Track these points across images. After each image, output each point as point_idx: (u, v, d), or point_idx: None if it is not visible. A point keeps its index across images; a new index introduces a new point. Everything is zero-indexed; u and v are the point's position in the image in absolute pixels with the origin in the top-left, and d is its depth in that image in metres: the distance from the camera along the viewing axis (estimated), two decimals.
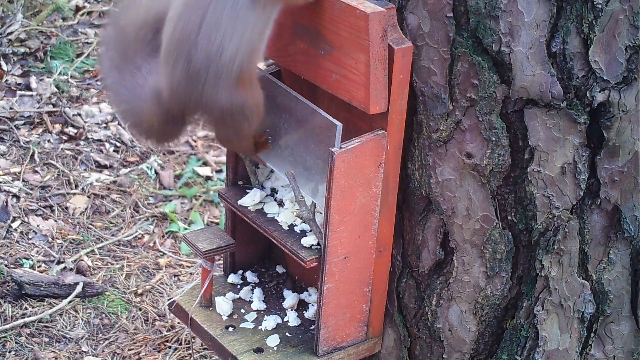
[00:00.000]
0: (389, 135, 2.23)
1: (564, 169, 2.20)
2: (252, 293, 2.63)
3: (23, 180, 3.91)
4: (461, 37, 2.16)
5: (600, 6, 2.07)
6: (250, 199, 2.46)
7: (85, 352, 3.17)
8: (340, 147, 2.17)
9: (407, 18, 2.21)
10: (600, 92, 2.13)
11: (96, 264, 3.56)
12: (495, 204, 2.25)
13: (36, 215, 3.74)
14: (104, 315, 3.33)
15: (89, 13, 5.36)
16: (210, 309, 2.56)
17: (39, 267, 3.48)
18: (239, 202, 2.46)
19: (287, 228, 2.39)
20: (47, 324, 3.25)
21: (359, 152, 2.20)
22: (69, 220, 3.76)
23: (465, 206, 2.27)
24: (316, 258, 2.29)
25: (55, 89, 4.54)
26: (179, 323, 3.28)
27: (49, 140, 4.20)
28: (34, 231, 3.66)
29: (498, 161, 2.20)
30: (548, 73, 2.12)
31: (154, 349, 3.22)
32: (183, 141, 4.39)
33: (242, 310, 2.57)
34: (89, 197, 3.89)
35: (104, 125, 4.40)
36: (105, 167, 4.12)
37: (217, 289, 2.62)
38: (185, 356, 3.19)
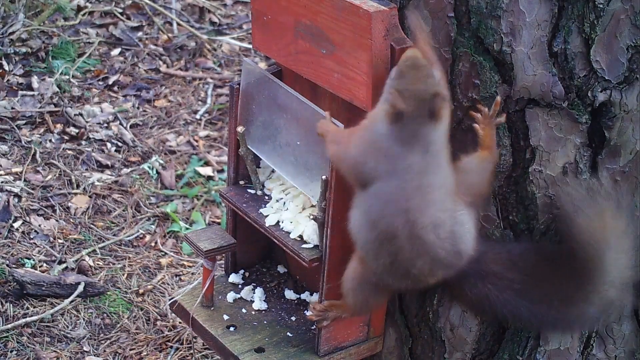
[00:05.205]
0: None
1: (565, 168, 2.20)
2: (254, 293, 2.63)
3: (25, 180, 3.91)
4: (462, 37, 2.16)
5: (601, 6, 2.07)
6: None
7: (86, 351, 3.17)
8: None
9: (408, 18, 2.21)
10: (601, 92, 2.13)
11: (98, 264, 3.56)
12: (496, 203, 2.25)
13: (38, 215, 3.75)
14: (105, 315, 3.33)
15: (91, 13, 5.36)
16: (212, 308, 2.56)
17: (40, 267, 3.48)
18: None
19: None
20: (48, 324, 3.26)
21: None
22: (71, 220, 3.76)
23: None
24: (317, 258, 2.29)
25: (57, 89, 4.54)
26: (180, 323, 3.28)
27: (50, 140, 4.20)
28: (35, 231, 3.66)
29: (499, 161, 2.20)
30: (549, 73, 2.12)
31: (155, 348, 3.22)
32: (184, 141, 4.39)
33: (244, 310, 2.57)
34: (90, 197, 3.90)
35: (105, 125, 4.40)
36: (106, 167, 4.12)
37: (218, 289, 2.62)
38: (187, 356, 3.19)
